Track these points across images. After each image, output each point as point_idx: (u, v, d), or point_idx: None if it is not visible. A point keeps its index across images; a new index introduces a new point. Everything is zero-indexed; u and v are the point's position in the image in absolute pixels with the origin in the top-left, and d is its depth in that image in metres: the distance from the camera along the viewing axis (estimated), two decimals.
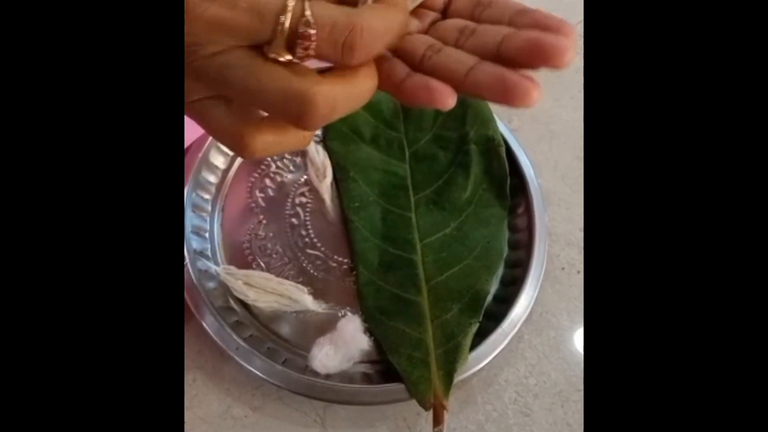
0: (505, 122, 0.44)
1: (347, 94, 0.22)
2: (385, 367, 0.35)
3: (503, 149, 0.41)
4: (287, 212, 0.41)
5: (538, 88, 0.21)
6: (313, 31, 0.21)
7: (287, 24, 0.21)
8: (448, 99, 0.22)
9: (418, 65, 0.23)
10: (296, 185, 0.42)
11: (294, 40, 0.21)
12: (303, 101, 0.21)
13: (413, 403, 0.33)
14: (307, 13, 0.21)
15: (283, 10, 0.21)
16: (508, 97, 0.21)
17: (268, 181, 0.42)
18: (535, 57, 0.21)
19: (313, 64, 0.22)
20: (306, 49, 0.21)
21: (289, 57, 0.21)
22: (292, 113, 0.22)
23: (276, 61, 0.21)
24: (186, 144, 0.41)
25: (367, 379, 0.35)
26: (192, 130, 0.41)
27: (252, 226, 0.40)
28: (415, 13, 0.26)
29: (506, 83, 0.21)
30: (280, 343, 0.36)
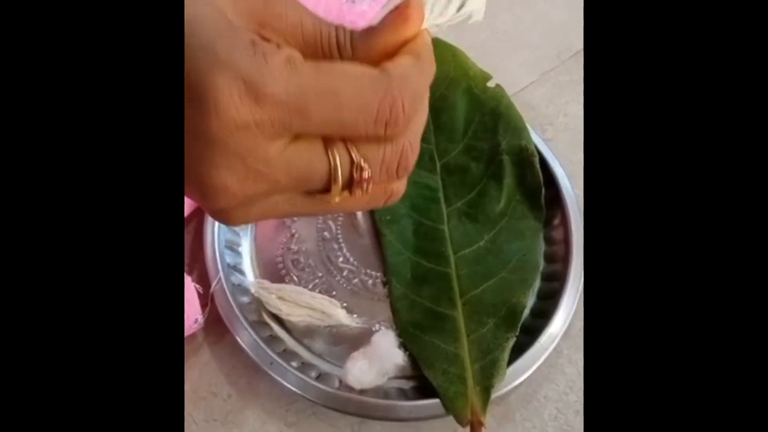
0: (539, 132, 0.43)
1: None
2: (420, 382, 0.35)
3: (537, 159, 0.40)
4: (319, 226, 0.41)
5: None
6: (368, 174, 0.20)
7: (341, 180, 0.20)
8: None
9: None
10: None
11: (350, 186, 0.21)
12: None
13: (450, 419, 0.33)
14: (355, 157, 0.20)
15: (332, 167, 0.20)
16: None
17: None
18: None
19: None
20: (365, 190, 0.21)
21: (346, 195, 0.21)
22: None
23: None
24: None
25: (402, 394, 0.34)
26: None
27: (285, 240, 0.40)
28: None
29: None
30: (314, 357, 0.36)
